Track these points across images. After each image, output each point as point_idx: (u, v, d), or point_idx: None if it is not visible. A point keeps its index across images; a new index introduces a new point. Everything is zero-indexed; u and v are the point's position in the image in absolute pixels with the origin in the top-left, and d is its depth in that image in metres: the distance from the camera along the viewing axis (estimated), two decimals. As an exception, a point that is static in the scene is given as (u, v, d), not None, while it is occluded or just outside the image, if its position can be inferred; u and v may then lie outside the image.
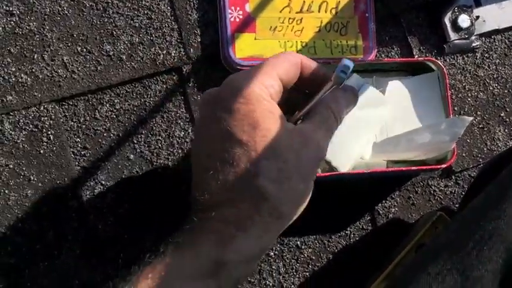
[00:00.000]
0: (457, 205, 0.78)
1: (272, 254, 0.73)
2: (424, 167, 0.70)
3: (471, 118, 0.66)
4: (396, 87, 0.73)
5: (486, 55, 0.81)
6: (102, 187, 0.70)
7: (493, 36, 0.81)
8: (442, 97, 0.73)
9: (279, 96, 0.53)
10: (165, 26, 0.72)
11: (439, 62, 0.73)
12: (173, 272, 0.46)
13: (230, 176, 0.48)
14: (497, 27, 0.81)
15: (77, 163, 0.70)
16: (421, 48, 0.79)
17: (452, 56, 0.80)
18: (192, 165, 0.52)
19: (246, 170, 0.48)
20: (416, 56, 0.78)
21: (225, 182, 0.48)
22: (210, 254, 0.47)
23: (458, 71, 0.80)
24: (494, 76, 0.81)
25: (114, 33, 0.71)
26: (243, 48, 0.71)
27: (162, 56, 0.72)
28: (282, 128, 0.50)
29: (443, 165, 0.70)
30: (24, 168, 0.68)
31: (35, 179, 0.68)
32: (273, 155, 0.48)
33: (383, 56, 0.78)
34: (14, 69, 0.68)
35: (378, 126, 0.71)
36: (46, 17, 0.69)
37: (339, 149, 0.69)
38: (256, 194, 0.48)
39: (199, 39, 0.73)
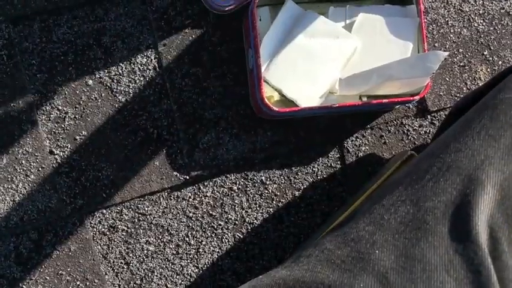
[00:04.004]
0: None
1: (235, 188, 0.71)
2: (396, 100, 0.67)
3: (446, 53, 0.63)
4: (368, 18, 0.69)
5: (473, -11, 0.76)
6: (58, 112, 0.68)
7: (481, -31, 0.76)
8: (418, 29, 0.69)
9: None
10: None
11: (412, -14, 0.68)
12: None
13: None
14: (486, -41, 0.76)
15: (32, 86, 0.67)
16: (403, -22, 0.74)
17: (436, -11, 0.75)
18: None
19: None
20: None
21: None
22: None
23: (442, 5, 0.76)
24: (480, 12, 0.77)
25: (73, -51, 0.67)
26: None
27: (123, -24, 0.68)
28: None
29: (416, 97, 0.67)
30: (-24, 90, 0.66)
31: (-12, 101, 0.66)
32: None
33: (361, -15, 0.73)
34: (-35, -16, 0.65)
35: (343, 59, 0.68)
36: None
37: (303, 87, 0.66)
38: None
39: (163, -40, 0.69)
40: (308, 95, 0.68)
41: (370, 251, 0.48)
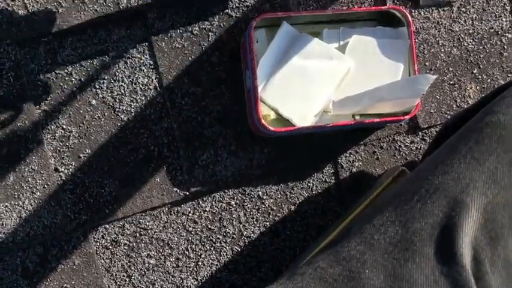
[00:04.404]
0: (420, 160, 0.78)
1: (233, 203, 0.74)
2: (388, 119, 0.70)
3: (435, 76, 0.65)
4: (361, 39, 0.72)
5: (463, 9, 0.79)
6: (63, 131, 0.70)
7: (471, -10, 0.79)
8: (409, 50, 0.72)
9: None
10: (129, -31, 0.70)
11: (403, 10, 0.71)
12: None
13: None
14: (476, -19, 0.78)
15: (37, 106, 0.70)
16: (396, 0, 0.77)
17: (427, 9, 0.78)
18: None
19: None
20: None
21: None
22: None
23: (433, 25, 0.78)
24: (470, 31, 0.79)
25: (76, -26, 0.69)
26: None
27: (125, -1, 0.71)
28: None
29: (407, 116, 0.70)
30: (-16, 110, 0.68)
31: (-5, 121, 0.68)
32: None
33: (356, 6, 0.76)
34: (-27, 8, 0.67)
35: (336, 80, 0.70)
36: (6, -45, 0.68)
37: (298, 106, 0.69)
38: None
39: (164, -16, 0.71)
40: (303, 114, 0.70)
41: (360, 270, 0.51)
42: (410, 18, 0.71)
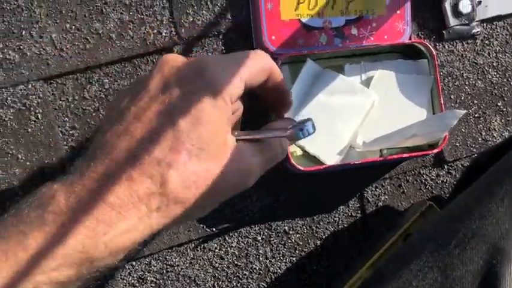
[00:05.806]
0: (448, 195, 0.78)
1: (260, 238, 0.73)
2: (415, 154, 0.70)
3: (463, 111, 0.65)
4: (385, 75, 0.72)
5: (487, 42, 0.79)
6: (90, 168, 0.70)
7: (494, 23, 0.79)
8: (433, 84, 0.72)
9: (236, 100, 0.48)
10: (156, 5, 0.70)
11: (427, 44, 0.71)
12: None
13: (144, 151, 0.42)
14: (499, 13, 0.79)
15: (65, 143, 0.69)
16: (420, 33, 0.77)
17: (452, 43, 0.78)
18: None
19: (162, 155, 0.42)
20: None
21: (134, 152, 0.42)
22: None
23: (457, 58, 0.78)
24: (494, 64, 0.79)
25: (104, 10, 0.69)
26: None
27: (152, 35, 0.70)
28: (223, 139, 0.46)
29: (435, 150, 0.70)
30: (12, 147, 0.68)
31: (23, 158, 0.68)
32: (197, 158, 0.43)
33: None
34: (1, 45, 0.67)
35: (361, 114, 0.70)
36: (34, -8, 0.68)
37: (325, 142, 0.69)
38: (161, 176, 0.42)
39: (191, 19, 0.71)
40: (330, 150, 0.70)
41: (400, 319, 0.50)
42: (434, 52, 0.71)
